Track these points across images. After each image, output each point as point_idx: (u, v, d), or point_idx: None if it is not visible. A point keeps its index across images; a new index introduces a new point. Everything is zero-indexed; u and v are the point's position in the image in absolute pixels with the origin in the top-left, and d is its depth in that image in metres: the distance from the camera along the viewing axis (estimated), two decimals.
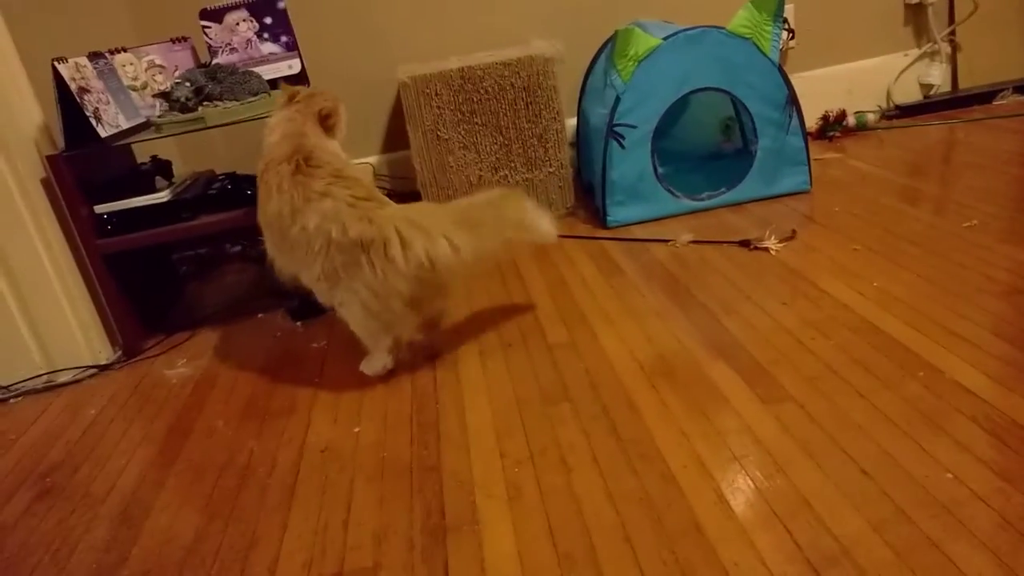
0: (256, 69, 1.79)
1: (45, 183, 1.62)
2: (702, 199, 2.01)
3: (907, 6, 2.54)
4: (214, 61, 1.81)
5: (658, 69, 1.87)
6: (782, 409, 1.14)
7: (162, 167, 1.79)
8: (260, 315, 1.86)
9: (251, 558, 1.03)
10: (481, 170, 2.10)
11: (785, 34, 2.45)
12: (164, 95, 1.68)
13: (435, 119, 2.03)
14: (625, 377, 1.30)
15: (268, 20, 1.81)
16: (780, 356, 1.28)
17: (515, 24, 2.35)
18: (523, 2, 2.37)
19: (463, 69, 2.00)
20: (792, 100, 1.94)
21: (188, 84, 1.64)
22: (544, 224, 1.46)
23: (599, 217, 2.05)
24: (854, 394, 1.15)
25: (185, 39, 1.90)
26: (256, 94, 1.70)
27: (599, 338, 1.45)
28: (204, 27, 1.82)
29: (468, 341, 1.53)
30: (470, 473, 1.12)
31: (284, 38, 1.83)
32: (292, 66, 1.83)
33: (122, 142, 1.65)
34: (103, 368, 1.69)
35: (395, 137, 2.43)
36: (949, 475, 0.96)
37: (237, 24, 1.80)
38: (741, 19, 1.88)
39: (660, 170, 1.96)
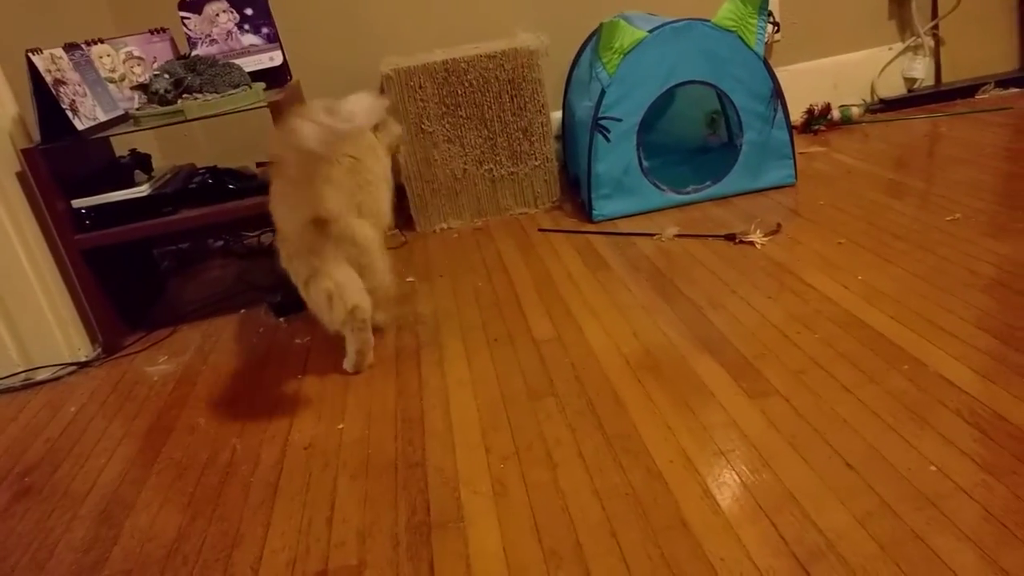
0: (237, 61, 1.76)
1: (20, 177, 1.59)
2: (688, 193, 2.00)
3: (891, 0, 2.55)
4: (194, 53, 1.78)
5: (643, 62, 1.86)
6: (768, 403, 1.14)
7: (141, 161, 1.76)
8: (243, 311, 1.83)
9: (234, 557, 1.02)
10: (466, 163, 2.09)
11: (770, 27, 2.45)
12: (142, 87, 1.65)
13: (419, 112, 2.01)
14: (611, 371, 1.30)
15: (249, 11, 1.78)
16: (766, 350, 1.28)
17: (500, 16, 2.33)
18: None
19: (447, 62, 1.98)
20: (777, 93, 1.94)
21: (167, 76, 1.61)
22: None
23: (585, 211, 2.04)
24: (839, 388, 1.15)
25: (164, 30, 1.87)
26: (237, 86, 1.67)
27: (585, 332, 1.45)
28: (183, 18, 1.79)
29: (453, 336, 1.52)
30: (455, 469, 1.12)
31: (265, 29, 1.80)
32: (273, 58, 1.81)
33: (100, 135, 1.62)
34: (82, 365, 1.67)
35: None
36: (933, 468, 0.96)
37: (217, 15, 1.77)
38: (726, 12, 1.88)
39: (646, 163, 1.96)
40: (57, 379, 1.64)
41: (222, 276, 2.12)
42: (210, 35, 1.79)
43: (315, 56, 2.26)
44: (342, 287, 1.34)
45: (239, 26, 1.80)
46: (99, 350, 1.72)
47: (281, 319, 1.75)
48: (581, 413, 1.19)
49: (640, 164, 1.94)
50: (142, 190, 1.65)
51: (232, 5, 1.79)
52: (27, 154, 1.56)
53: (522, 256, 1.87)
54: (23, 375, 1.63)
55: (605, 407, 1.20)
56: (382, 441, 1.22)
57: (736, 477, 1.00)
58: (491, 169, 2.11)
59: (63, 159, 1.62)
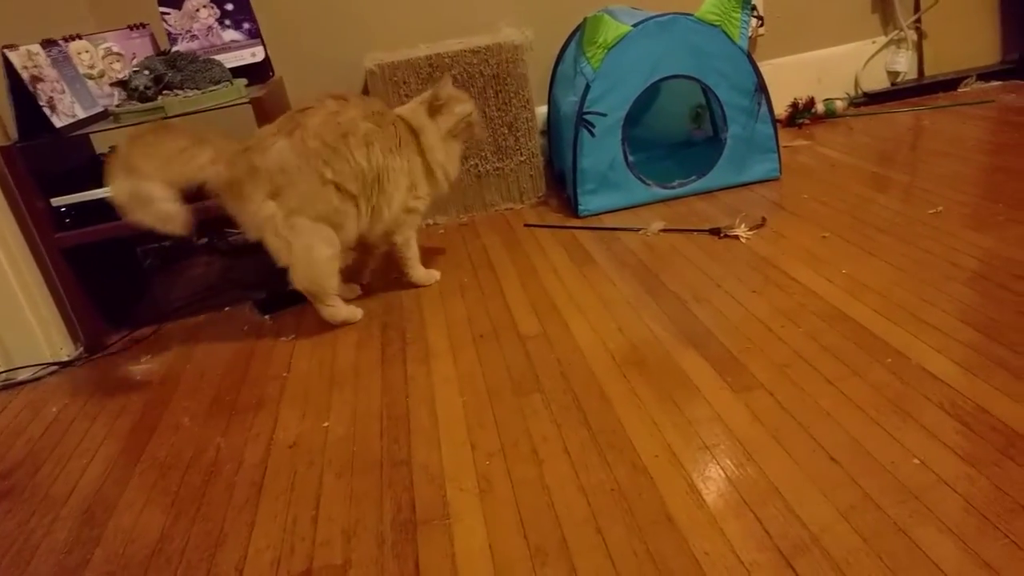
0: (218, 57, 1.75)
1: None
2: (673, 187, 2.01)
3: None
4: (174, 49, 1.76)
5: (628, 56, 1.86)
6: (752, 397, 1.15)
7: None
8: (227, 308, 1.82)
9: (218, 557, 1.01)
10: None
11: (754, 21, 2.45)
12: (122, 84, 1.63)
13: None
14: (596, 367, 1.30)
15: (230, 6, 1.77)
16: (750, 344, 1.29)
17: (484, 10, 2.32)
18: None
19: (431, 57, 1.97)
20: (761, 87, 1.94)
21: (147, 72, 1.59)
22: None
23: (571, 206, 2.04)
24: (823, 381, 1.16)
25: (143, 26, 1.84)
26: (218, 82, 1.65)
27: (571, 328, 1.45)
28: (163, 14, 1.77)
29: (439, 332, 1.52)
30: (441, 467, 1.11)
31: (246, 25, 1.79)
32: (255, 54, 1.79)
33: (79, 132, 1.60)
34: (64, 365, 1.65)
35: None
36: (916, 460, 0.96)
37: (197, 10, 1.75)
38: (709, 6, 1.88)
39: (631, 158, 1.96)
40: (38, 379, 1.62)
41: (206, 274, 2.10)
42: (191, 31, 1.77)
43: (298, 52, 2.24)
44: None
45: (220, 21, 1.78)
46: (81, 349, 1.70)
47: (266, 316, 1.74)
48: (567, 409, 1.19)
49: (625, 159, 1.94)
50: None
51: (213, 0, 1.77)
52: (4, 152, 1.54)
53: (508, 252, 1.86)
54: (3, 376, 1.61)
55: (591, 402, 1.20)
56: (367, 439, 1.21)
57: (721, 471, 1.00)
58: (476, 164, 2.10)
59: (41, 157, 1.60)
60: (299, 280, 1.55)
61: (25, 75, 1.50)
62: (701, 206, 1.94)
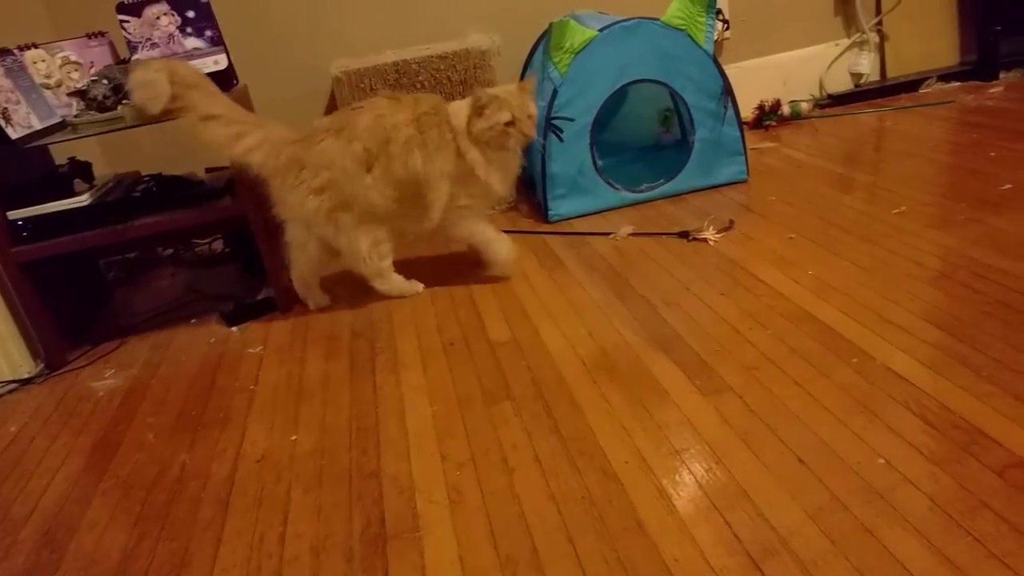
0: None
1: None
2: (642, 191, 2.01)
3: None
4: (134, 57, 1.73)
5: (595, 61, 1.86)
6: (721, 400, 1.15)
7: (81, 169, 1.70)
8: (193, 321, 1.79)
9: None
10: None
11: (719, 25, 2.47)
12: (80, 93, 1.60)
13: None
14: (567, 373, 1.29)
15: (191, 14, 1.74)
16: (719, 347, 1.29)
17: (451, 16, 2.31)
18: None
19: (398, 63, 1.96)
20: (727, 91, 1.95)
21: (106, 82, 1.56)
22: None
23: (541, 211, 2.03)
24: (791, 383, 1.16)
25: (102, 34, 1.81)
26: None
27: (541, 334, 1.44)
28: (122, 21, 1.73)
29: (409, 341, 1.50)
30: (411, 478, 1.10)
31: (209, 32, 1.76)
32: (218, 62, 1.76)
33: (35, 143, 1.56)
34: (24, 383, 1.61)
35: None
36: (882, 460, 0.97)
37: (157, 18, 1.72)
38: (675, 10, 1.89)
39: (600, 163, 1.96)
40: None
41: (172, 285, 2.06)
42: (151, 39, 1.74)
43: (262, 59, 2.22)
44: None
45: (181, 29, 1.75)
46: (42, 366, 1.66)
47: (233, 328, 1.71)
48: (537, 416, 1.19)
49: (594, 163, 1.95)
50: (82, 200, 1.60)
51: (173, 7, 1.74)
52: None
53: (478, 258, 1.85)
54: None
55: (561, 409, 1.20)
56: (336, 451, 1.19)
57: (691, 476, 1.01)
58: None
59: None
60: (347, 265, 1.64)
61: None
62: (670, 209, 1.95)
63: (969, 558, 0.81)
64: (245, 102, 1.90)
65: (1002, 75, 2.60)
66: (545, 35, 2.10)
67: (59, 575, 1.04)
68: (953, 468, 0.94)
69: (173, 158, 2.13)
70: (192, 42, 1.76)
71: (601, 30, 1.86)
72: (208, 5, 1.75)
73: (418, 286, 1.71)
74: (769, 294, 1.44)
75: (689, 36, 1.89)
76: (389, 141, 1.53)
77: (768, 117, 2.51)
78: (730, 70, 2.03)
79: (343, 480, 1.12)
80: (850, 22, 2.63)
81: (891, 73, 2.67)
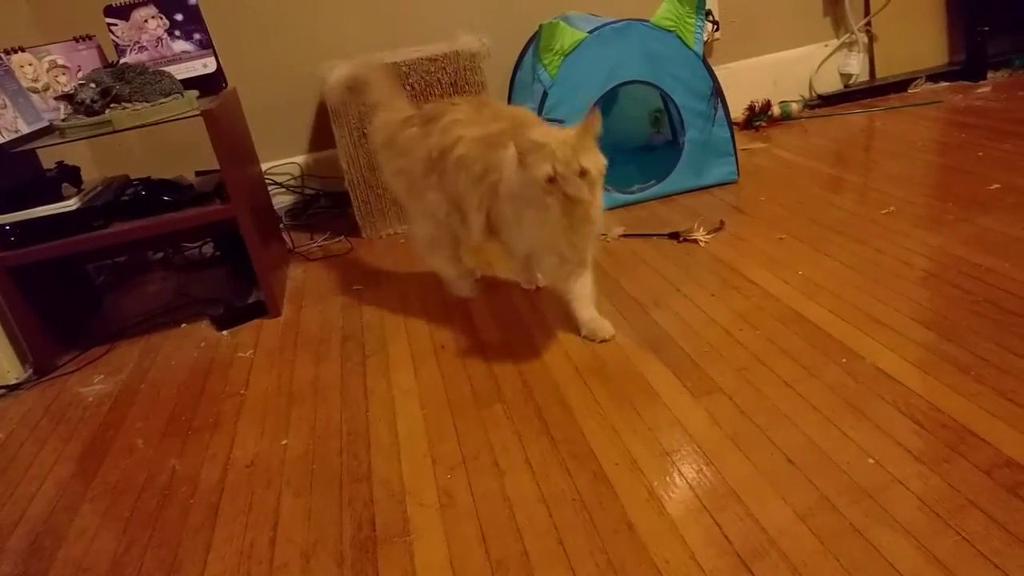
0: (168, 68, 1.71)
1: None
2: (633, 192, 2.01)
3: None
4: (122, 61, 1.72)
5: (584, 63, 1.87)
6: (711, 401, 1.15)
7: (69, 174, 1.69)
8: (183, 325, 1.78)
9: None
10: None
11: (709, 26, 2.48)
12: (67, 97, 1.59)
13: (361, 117, 1.98)
14: (558, 375, 1.29)
15: (179, 16, 1.73)
16: (709, 348, 1.30)
17: (441, 18, 2.31)
18: None
19: (388, 65, 1.95)
20: (717, 91, 1.96)
21: (93, 85, 1.55)
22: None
23: None
24: (780, 383, 1.17)
25: (90, 37, 1.80)
26: (168, 95, 1.62)
27: (532, 336, 1.44)
28: (110, 25, 1.73)
29: (400, 343, 1.50)
30: (401, 482, 1.10)
31: (197, 35, 1.75)
32: (207, 65, 1.76)
33: (23, 148, 1.55)
34: (12, 388, 1.60)
35: (321, 136, 2.37)
36: (871, 460, 0.98)
37: (145, 21, 1.71)
38: (664, 12, 1.89)
39: None
40: None
41: (162, 289, 2.05)
42: (139, 42, 1.73)
43: (252, 62, 2.21)
44: None
45: (169, 32, 1.74)
46: (30, 372, 1.65)
47: (224, 332, 1.70)
48: (528, 419, 1.19)
49: None
50: (70, 204, 1.59)
51: (161, 10, 1.73)
52: None
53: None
54: None
55: (552, 411, 1.20)
56: (327, 456, 1.19)
57: (681, 478, 1.01)
58: None
59: None
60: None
61: None
62: (661, 210, 1.95)
63: (957, 558, 0.82)
64: (234, 105, 1.90)
65: (990, 75, 2.62)
66: (535, 37, 2.10)
67: None
68: (942, 467, 0.94)
69: (163, 162, 2.12)
70: (180, 45, 1.76)
71: (591, 32, 1.86)
72: (196, 8, 1.75)
73: (467, 291, 1.66)
74: (759, 295, 1.45)
75: (679, 37, 1.90)
76: (446, 152, 1.44)
77: (758, 118, 2.52)
78: (720, 71, 2.03)
79: (333, 484, 1.12)
80: (839, 23, 2.64)
81: (880, 73, 2.69)
